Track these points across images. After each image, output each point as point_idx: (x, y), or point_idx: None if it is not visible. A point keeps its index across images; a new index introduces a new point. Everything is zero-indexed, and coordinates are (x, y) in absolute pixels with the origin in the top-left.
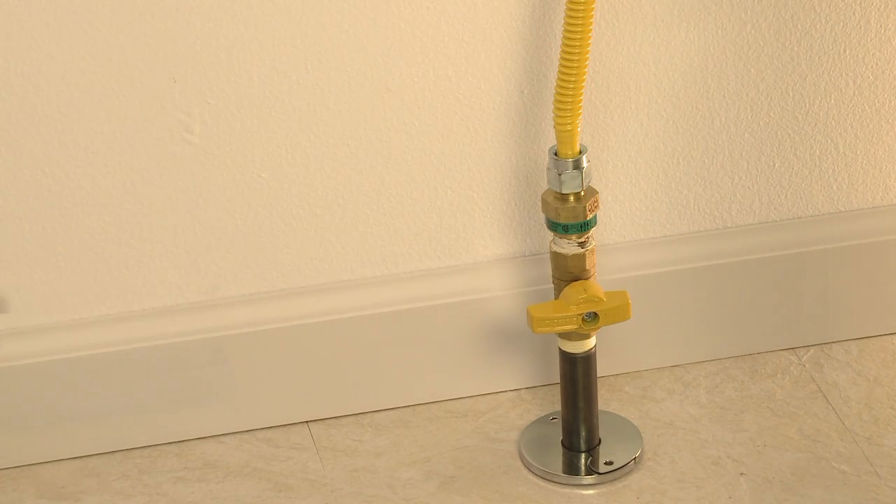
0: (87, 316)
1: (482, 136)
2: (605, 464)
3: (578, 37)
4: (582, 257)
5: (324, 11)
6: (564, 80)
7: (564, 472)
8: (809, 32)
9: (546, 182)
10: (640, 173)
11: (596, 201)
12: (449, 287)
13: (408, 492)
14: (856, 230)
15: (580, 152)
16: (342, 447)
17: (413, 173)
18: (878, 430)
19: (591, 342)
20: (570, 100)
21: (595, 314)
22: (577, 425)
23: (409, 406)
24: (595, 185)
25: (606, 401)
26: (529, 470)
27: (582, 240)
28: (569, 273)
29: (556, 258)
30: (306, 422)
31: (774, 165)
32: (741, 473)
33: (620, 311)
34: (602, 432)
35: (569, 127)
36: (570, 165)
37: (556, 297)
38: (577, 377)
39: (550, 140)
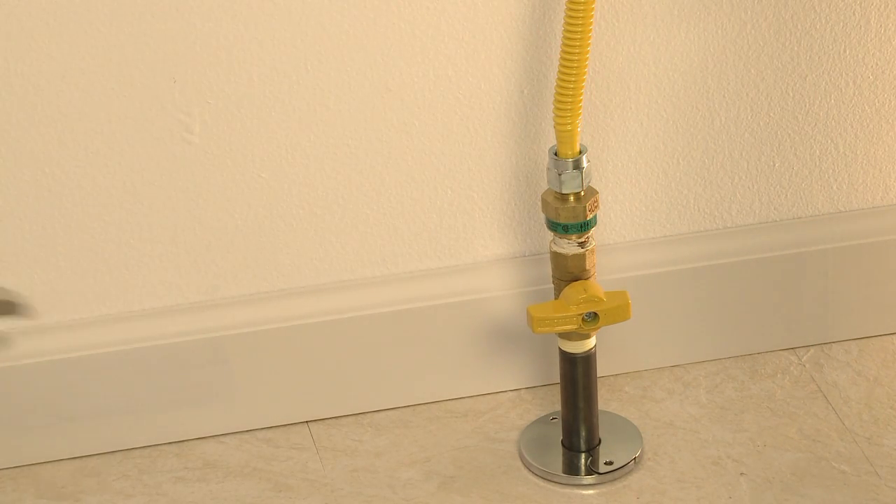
0: (87, 316)
1: (482, 136)
2: (605, 464)
3: (578, 37)
4: (582, 257)
5: (324, 11)
6: (564, 80)
7: (564, 472)
8: (809, 32)
9: (546, 182)
10: (640, 173)
11: (596, 201)
12: (449, 287)
13: (408, 492)
14: (856, 230)
15: (580, 152)
16: (342, 447)
17: (413, 173)
18: (878, 430)
19: (591, 342)
20: (570, 100)
21: (595, 314)
22: (577, 425)
23: (409, 406)
24: (595, 185)
25: (606, 401)
26: (529, 470)
27: (582, 240)
28: (569, 273)
29: (556, 258)
30: (306, 422)
31: (774, 165)
32: (741, 473)
33: (620, 311)
34: (602, 432)
35: (569, 127)
36: (570, 165)
37: (556, 297)
38: (577, 377)
39: (550, 140)
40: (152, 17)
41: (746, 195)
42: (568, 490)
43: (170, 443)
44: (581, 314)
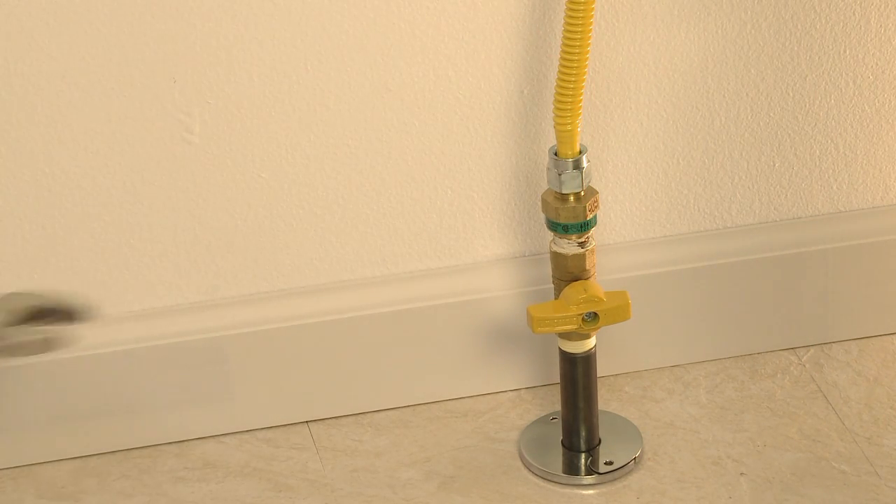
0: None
1: (482, 136)
2: (605, 464)
3: (578, 37)
4: (582, 257)
5: (324, 11)
6: (564, 80)
7: (564, 472)
8: (809, 32)
9: (546, 182)
10: (640, 173)
11: (596, 201)
12: (449, 287)
13: (408, 492)
14: (856, 230)
15: (580, 152)
16: (342, 447)
17: (413, 173)
18: (878, 430)
19: (591, 342)
20: (570, 100)
21: (595, 314)
22: (577, 425)
23: (409, 406)
24: (595, 185)
25: (606, 401)
26: (529, 470)
27: (582, 240)
28: (569, 273)
29: (556, 258)
30: (306, 422)
31: (774, 165)
32: (741, 473)
33: (620, 311)
34: (602, 432)
35: (569, 127)
36: (570, 165)
37: (556, 297)
38: (577, 377)
39: (550, 140)
40: (152, 17)
41: (746, 195)
42: (568, 490)
43: (170, 443)
44: (581, 314)
